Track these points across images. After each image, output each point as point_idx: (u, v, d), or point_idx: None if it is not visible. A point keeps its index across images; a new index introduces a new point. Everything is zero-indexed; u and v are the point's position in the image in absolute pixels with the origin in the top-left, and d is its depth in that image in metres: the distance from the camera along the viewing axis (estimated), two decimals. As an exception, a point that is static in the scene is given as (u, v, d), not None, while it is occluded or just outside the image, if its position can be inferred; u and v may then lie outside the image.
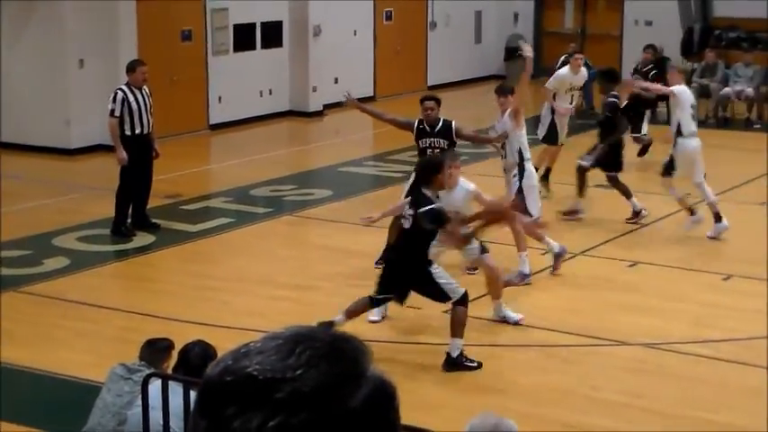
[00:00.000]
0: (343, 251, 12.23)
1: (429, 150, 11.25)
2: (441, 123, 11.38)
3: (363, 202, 14.37)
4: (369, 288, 10.98)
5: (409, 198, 9.48)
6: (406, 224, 9.10)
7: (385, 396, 1.76)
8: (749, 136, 19.50)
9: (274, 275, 11.62)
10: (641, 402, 8.55)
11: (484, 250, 9.90)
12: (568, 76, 15.15)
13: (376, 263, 11.52)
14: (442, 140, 11.21)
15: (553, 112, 14.83)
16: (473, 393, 8.69)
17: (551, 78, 15.30)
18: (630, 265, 11.92)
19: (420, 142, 11.39)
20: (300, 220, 13.85)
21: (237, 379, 1.74)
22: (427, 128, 11.35)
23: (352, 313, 9.27)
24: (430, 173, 9.23)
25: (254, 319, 9.79)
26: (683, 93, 13.03)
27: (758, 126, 20.37)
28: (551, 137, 14.82)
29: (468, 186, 10.00)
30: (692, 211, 12.87)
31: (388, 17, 23.66)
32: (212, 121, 19.39)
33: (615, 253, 12.33)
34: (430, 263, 9.02)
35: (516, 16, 27.10)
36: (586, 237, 12.77)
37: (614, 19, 26.93)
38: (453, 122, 11.44)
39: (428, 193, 9.08)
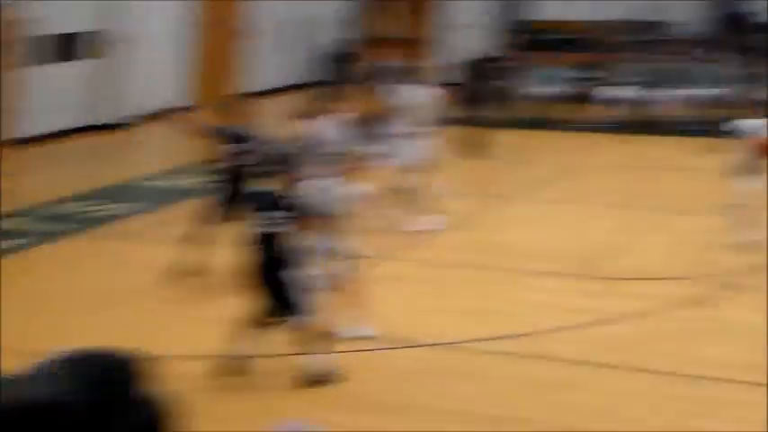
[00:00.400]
0: (146, 266, 12.02)
1: (234, 157, 11.23)
2: (250, 131, 11.43)
3: (168, 216, 14.19)
4: (172, 304, 10.83)
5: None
6: (279, 227, 8.67)
7: (156, 416, 1.74)
8: (565, 136, 19.99)
9: (75, 294, 11.34)
10: (440, 403, 8.54)
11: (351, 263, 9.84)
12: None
13: (172, 276, 11.36)
14: (248, 147, 11.23)
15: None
16: (276, 404, 8.57)
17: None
18: (426, 266, 12.05)
19: (226, 148, 11.34)
20: (104, 234, 13.58)
21: (8, 406, 1.69)
22: (235, 135, 11.34)
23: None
24: (282, 169, 9.05)
25: (55, 342, 9.46)
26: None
27: (573, 126, 20.89)
28: None
29: (363, 188, 9.93)
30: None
31: (203, 24, 23.38)
32: (17, 135, 18.80)
33: (411, 254, 12.47)
34: (293, 267, 8.74)
35: (342, 21, 27.19)
36: (382, 238, 12.86)
37: (433, 23, 27.29)
38: (261, 133, 11.50)
39: (279, 191, 8.88)
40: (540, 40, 25.37)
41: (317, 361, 8.79)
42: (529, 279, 11.60)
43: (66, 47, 19.84)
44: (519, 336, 9.86)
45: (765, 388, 8.60)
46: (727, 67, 21.33)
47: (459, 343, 9.73)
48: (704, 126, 20.52)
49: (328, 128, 12.45)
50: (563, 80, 22.30)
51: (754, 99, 20.06)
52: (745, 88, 20.78)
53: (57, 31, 19.47)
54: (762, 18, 23.78)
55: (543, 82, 22.51)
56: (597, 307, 10.59)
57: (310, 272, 9.00)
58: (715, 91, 21.03)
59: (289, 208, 8.74)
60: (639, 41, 23.70)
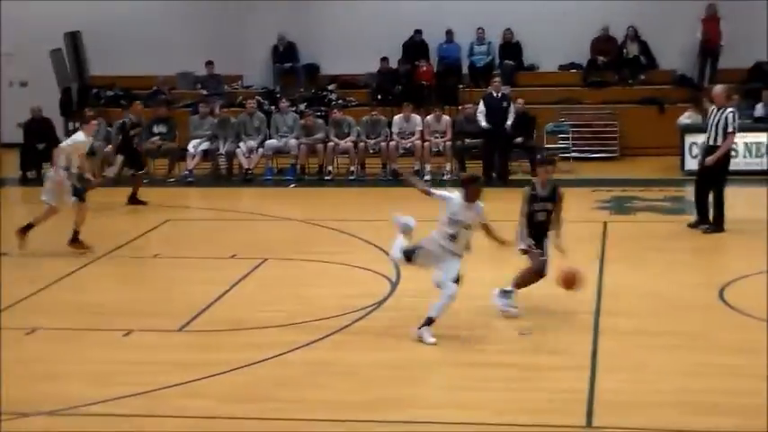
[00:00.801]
0: None
1: None
2: None
3: None
4: None
5: None
6: None
7: None
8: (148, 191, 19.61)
9: None
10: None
11: None
12: (85, 139, 15.29)
13: None
14: None
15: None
16: None
17: (69, 141, 15.37)
18: (28, 333, 11.31)
19: None
20: None
21: None
22: None
23: None
24: None
25: None
26: None
27: (145, 181, 20.57)
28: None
29: None
30: None
31: None
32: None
33: (7, 322, 11.70)
34: None
35: None
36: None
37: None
38: None
39: None
40: (104, 96, 24.87)
41: None
42: (130, 338, 11.14)
43: None
44: (135, 395, 9.44)
45: (386, 423, 8.83)
46: (290, 118, 21.82)
47: (76, 407, 9.19)
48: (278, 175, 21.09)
49: None
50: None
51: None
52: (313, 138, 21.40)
53: None
54: (328, 70, 24.78)
55: (107, 138, 21.94)
56: (208, 360, 10.35)
57: None
58: (282, 141, 21.43)
59: None
60: (205, 94, 23.82)
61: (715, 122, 15.62)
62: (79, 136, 15.31)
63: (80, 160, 15.13)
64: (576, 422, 8.78)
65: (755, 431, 8.58)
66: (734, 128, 15.59)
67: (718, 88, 16.17)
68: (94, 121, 16.24)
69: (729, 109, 15.70)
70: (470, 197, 10.80)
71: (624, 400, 9.23)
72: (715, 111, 15.75)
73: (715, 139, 15.61)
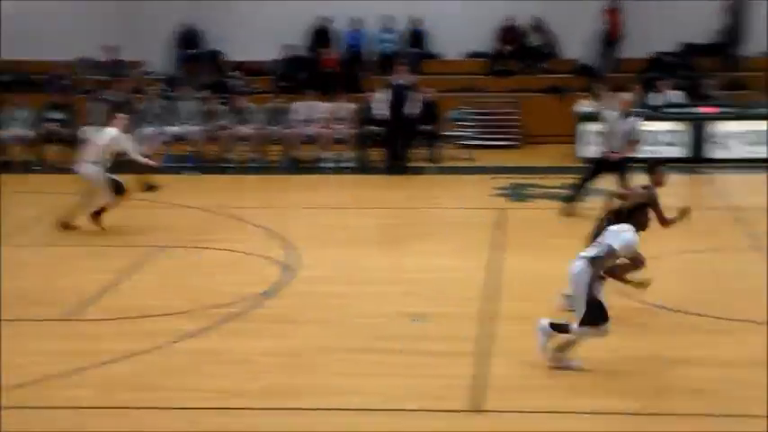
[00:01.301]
0: None
1: None
2: None
3: None
4: None
5: None
6: None
7: None
8: (31, 179, 19.22)
9: None
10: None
11: None
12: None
13: None
14: None
15: None
16: None
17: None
18: None
19: None
20: None
21: None
22: None
23: None
24: None
25: None
26: None
27: (38, 168, 20.27)
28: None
29: None
30: None
31: None
32: None
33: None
34: None
35: None
36: None
37: None
38: None
39: None
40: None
41: None
42: (19, 327, 10.86)
43: None
44: (21, 386, 9.25)
45: (278, 411, 8.77)
46: (191, 105, 21.58)
47: None
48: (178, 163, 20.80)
49: None
50: (20, 121, 21.40)
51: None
52: (209, 125, 21.20)
53: None
54: (232, 57, 24.50)
55: (5, 124, 21.53)
56: (96, 349, 10.16)
57: None
58: (182, 128, 21.20)
59: None
60: (105, 80, 23.39)
61: (620, 130, 15.72)
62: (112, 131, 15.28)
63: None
64: (463, 406, 8.76)
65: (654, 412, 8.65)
66: (638, 137, 15.81)
67: (628, 95, 16.41)
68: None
69: (633, 117, 15.90)
70: (641, 226, 9.96)
71: (515, 384, 9.24)
72: (618, 117, 15.84)
73: (620, 147, 15.69)
